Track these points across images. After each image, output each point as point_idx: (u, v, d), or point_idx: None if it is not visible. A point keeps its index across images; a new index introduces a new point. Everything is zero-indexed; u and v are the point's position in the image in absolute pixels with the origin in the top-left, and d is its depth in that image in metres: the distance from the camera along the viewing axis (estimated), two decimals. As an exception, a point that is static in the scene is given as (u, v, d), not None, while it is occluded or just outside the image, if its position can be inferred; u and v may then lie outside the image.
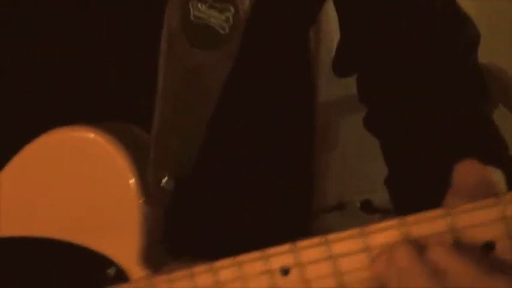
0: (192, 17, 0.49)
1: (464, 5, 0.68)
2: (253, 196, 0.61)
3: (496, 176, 0.39)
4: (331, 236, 0.42)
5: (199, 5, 0.49)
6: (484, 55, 1.40)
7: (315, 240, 0.42)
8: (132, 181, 0.49)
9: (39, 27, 0.57)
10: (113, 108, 0.56)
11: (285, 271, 0.44)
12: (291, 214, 0.66)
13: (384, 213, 0.98)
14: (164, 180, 0.50)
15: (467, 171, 0.38)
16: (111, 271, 0.51)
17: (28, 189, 0.53)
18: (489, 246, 0.37)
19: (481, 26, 0.71)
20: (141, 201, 0.49)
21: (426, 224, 0.38)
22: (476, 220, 0.37)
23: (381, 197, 0.84)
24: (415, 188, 0.59)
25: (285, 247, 0.44)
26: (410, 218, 0.39)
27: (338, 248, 0.42)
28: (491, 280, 0.35)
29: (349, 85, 0.69)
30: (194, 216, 0.58)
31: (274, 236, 0.45)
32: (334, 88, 0.90)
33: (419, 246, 0.37)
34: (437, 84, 0.63)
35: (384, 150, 0.65)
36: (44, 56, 0.57)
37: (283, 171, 0.64)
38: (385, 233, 0.39)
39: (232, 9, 0.48)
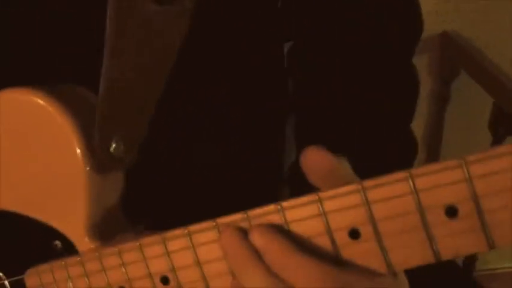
0: None
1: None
2: (214, 159, 0.58)
3: (344, 163, 0.39)
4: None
5: None
6: (447, 23, 1.41)
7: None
8: (77, 147, 0.46)
9: None
10: (59, 68, 0.52)
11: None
12: (256, 182, 0.64)
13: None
14: (113, 146, 0.47)
15: (314, 158, 0.38)
16: (58, 243, 0.49)
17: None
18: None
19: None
20: (87, 169, 0.46)
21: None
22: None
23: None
24: None
25: (237, 215, 0.41)
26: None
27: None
28: (297, 258, 0.38)
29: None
30: (153, 181, 0.55)
31: (238, 203, 0.43)
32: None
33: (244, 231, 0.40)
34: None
35: (296, 132, 0.63)
36: None
37: (249, 134, 0.62)
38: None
39: None
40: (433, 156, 1.47)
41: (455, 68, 1.40)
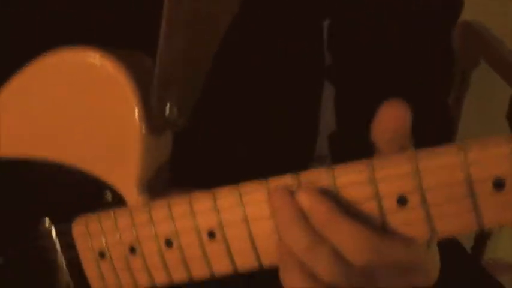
0: None
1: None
2: (259, 128, 0.60)
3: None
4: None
5: None
6: (468, 12, 1.40)
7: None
8: (136, 108, 0.48)
9: None
10: (117, 35, 0.54)
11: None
12: (293, 152, 0.66)
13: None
14: (168, 109, 0.49)
15: (392, 111, 0.39)
16: (108, 194, 0.51)
17: (29, 109, 0.52)
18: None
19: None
20: (144, 128, 0.48)
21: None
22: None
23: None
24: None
25: (288, 177, 0.43)
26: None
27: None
28: (341, 221, 0.40)
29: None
30: (201, 147, 0.57)
31: (276, 170, 0.45)
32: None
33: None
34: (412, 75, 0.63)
35: (337, 103, 0.65)
36: None
37: (290, 108, 0.64)
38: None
39: None
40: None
41: (475, 57, 1.39)
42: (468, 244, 1.42)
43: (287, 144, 0.65)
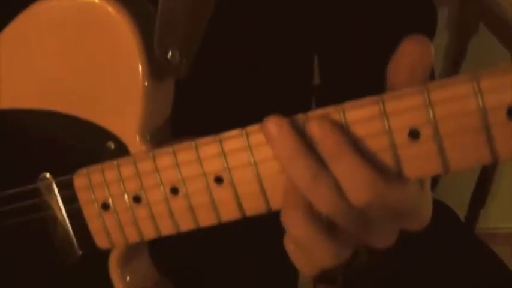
0: None
1: None
2: (259, 79, 0.60)
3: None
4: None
5: None
6: None
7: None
8: (138, 51, 0.47)
9: None
10: None
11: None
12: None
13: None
14: (170, 53, 0.48)
15: (415, 46, 0.39)
16: (110, 144, 0.50)
17: (28, 57, 0.51)
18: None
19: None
20: (146, 72, 0.47)
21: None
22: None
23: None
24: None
25: (297, 115, 0.43)
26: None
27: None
28: (350, 155, 0.39)
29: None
30: (202, 97, 0.56)
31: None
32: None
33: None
34: None
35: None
36: None
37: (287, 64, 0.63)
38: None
39: None
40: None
41: (474, 23, 1.37)
42: (462, 213, 1.43)
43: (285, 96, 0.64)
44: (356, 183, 0.40)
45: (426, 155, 0.39)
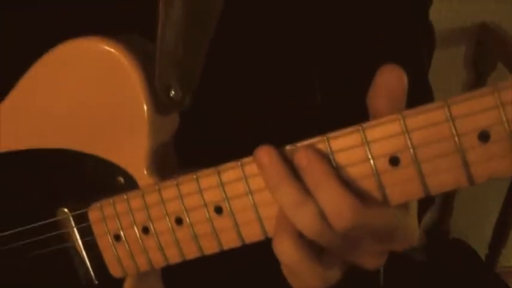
0: None
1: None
2: (263, 108, 0.62)
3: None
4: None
5: None
6: (485, 14, 1.38)
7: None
8: (141, 90, 0.50)
9: None
10: (116, 20, 0.56)
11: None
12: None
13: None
14: (172, 91, 0.51)
15: (389, 75, 0.42)
16: (121, 179, 0.53)
17: (41, 101, 0.55)
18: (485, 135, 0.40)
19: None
20: (149, 110, 0.51)
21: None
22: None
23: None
24: None
25: (286, 146, 0.45)
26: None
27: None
28: (334, 183, 0.42)
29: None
30: (206, 127, 0.59)
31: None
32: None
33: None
34: None
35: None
36: None
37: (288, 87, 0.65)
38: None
39: None
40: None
41: (492, 61, 1.37)
42: (483, 252, 1.42)
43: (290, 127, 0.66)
44: (338, 209, 0.42)
45: (407, 180, 0.42)
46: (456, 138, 0.39)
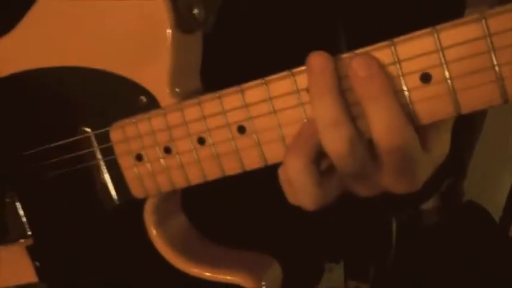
0: None
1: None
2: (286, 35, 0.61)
3: None
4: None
5: None
6: None
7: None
8: (164, 6, 0.49)
9: None
10: None
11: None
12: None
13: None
14: (195, 10, 0.50)
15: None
16: (143, 98, 0.53)
17: (61, 20, 0.54)
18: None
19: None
20: (173, 27, 0.50)
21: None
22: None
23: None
24: None
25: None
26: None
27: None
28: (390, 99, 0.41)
29: None
30: (231, 50, 0.58)
31: None
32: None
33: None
34: None
35: None
36: None
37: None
38: None
39: None
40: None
41: None
42: (497, 215, 1.41)
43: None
44: (392, 127, 0.41)
45: (438, 96, 0.40)
46: (493, 54, 0.38)
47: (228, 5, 0.52)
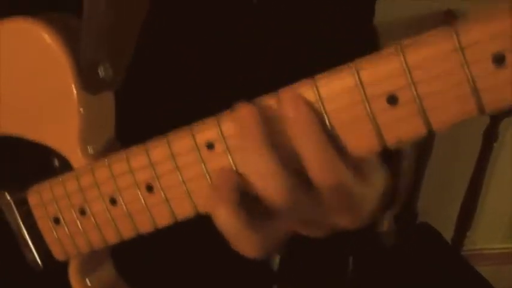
0: None
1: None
2: (203, 80, 0.61)
3: None
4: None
5: None
6: (455, 2, 1.36)
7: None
8: (67, 69, 0.50)
9: None
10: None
11: (210, 145, 0.45)
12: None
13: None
14: (101, 69, 0.50)
15: None
16: (55, 161, 0.53)
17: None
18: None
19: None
20: (77, 88, 0.50)
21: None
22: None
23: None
24: None
25: (210, 121, 0.45)
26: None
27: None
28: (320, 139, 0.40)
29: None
30: (144, 102, 0.58)
31: None
32: None
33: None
34: None
35: None
36: None
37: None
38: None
39: None
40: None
41: None
42: (449, 235, 1.43)
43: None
44: (322, 164, 0.41)
45: (407, 117, 0.38)
46: (466, 67, 0.35)
47: (139, 61, 0.52)
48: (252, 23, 0.62)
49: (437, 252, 1.19)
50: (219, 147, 0.45)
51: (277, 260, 0.82)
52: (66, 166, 0.53)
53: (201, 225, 0.49)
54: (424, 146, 1.39)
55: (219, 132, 0.44)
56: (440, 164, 1.52)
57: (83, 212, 0.52)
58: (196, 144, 0.45)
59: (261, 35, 0.63)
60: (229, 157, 0.44)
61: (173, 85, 0.60)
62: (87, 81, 0.50)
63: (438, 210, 1.53)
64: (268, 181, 0.42)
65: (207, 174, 0.46)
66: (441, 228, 1.36)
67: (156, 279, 0.63)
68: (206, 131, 0.45)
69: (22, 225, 0.56)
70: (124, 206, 0.50)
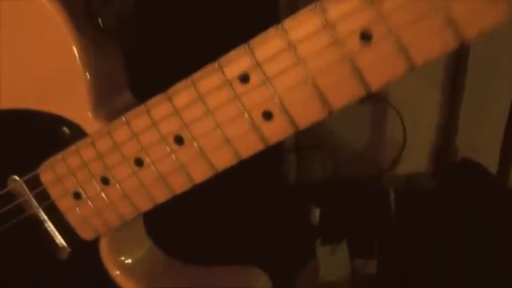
0: None
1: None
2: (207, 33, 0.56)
3: None
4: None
5: None
6: None
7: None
8: (65, 27, 0.43)
9: None
10: None
11: (244, 77, 0.38)
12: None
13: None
14: (100, 19, 0.44)
15: None
16: (65, 129, 0.46)
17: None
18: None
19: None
20: (79, 45, 0.44)
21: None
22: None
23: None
24: None
25: (240, 50, 0.38)
26: None
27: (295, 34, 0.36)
28: None
29: None
30: (156, 56, 0.53)
31: None
32: None
33: None
34: None
35: None
36: None
37: None
38: None
39: None
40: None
41: None
42: (493, 169, 1.36)
43: None
44: None
45: (386, 55, 0.35)
46: None
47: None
48: (252, 14, 0.58)
49: (483, 187, 1.13)
50: (254, 77, 0.38)
51: (316, 213, 0.79)
52: (78, 134, 0.46)
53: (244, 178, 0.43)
54: (456, 80, 1.33)
55: (253, 59, 0.37)
56: (477, 95, 1.44)
57: (105, 181, 0.45)
58: (226, 79, 0.39)
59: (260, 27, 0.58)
60: (270, 87, 0.38)
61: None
62: (88, 34, 0.44)
63: (478, 145, 1.47)
64: None
65: (245, 112, 0.39)
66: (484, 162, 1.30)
67: (191, 241, 0.58)
68: (236, 61, 0.38)
69: (40, 208, 0.49)
70: (152, 166, 0.43)
